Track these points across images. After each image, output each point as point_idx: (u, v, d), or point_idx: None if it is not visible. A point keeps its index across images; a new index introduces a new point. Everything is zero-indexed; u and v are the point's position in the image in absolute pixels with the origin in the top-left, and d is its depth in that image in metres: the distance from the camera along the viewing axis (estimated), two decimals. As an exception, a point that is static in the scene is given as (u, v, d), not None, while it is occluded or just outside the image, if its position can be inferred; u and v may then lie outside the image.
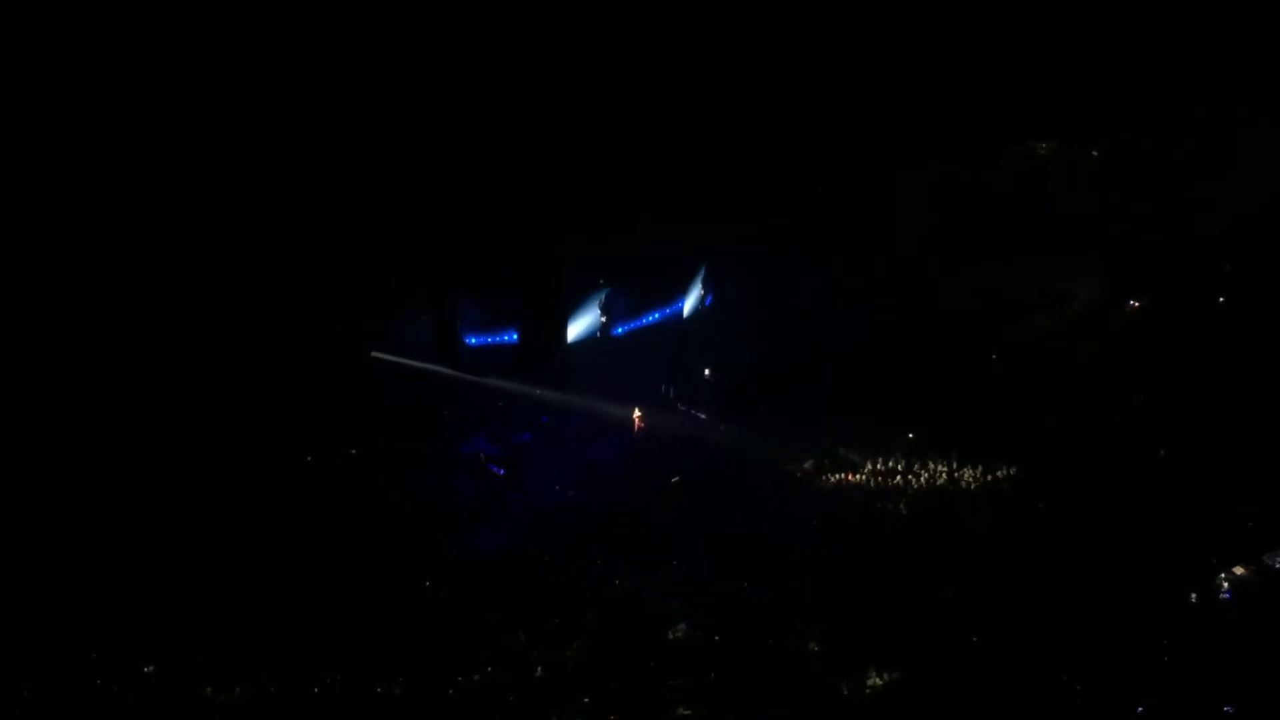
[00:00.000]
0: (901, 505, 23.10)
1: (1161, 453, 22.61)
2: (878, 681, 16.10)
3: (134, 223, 20.36)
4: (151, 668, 16.24)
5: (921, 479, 24.33)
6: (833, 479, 24.88)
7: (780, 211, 28.45)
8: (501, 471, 26.79)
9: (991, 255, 28.28)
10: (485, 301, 29.28)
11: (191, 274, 21.81)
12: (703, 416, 29.84)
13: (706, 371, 31.87)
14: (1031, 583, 18.20)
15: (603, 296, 31.86)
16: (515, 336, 30.01)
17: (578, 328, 31.43)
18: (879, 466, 25.13)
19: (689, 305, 33.84)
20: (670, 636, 17.96)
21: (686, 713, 15.54)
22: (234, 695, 15.64)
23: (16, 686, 15.06)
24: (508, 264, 26.41)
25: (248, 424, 23.20)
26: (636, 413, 29.22)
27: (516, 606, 19.22)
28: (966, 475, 24.11)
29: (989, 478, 23.81)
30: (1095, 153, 28.86)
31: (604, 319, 32.02)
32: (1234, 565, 17.31)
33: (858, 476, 24.77)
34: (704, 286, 33.87)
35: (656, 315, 33.29)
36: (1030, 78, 25.41)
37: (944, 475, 24.27)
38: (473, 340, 29.81)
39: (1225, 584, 17.13)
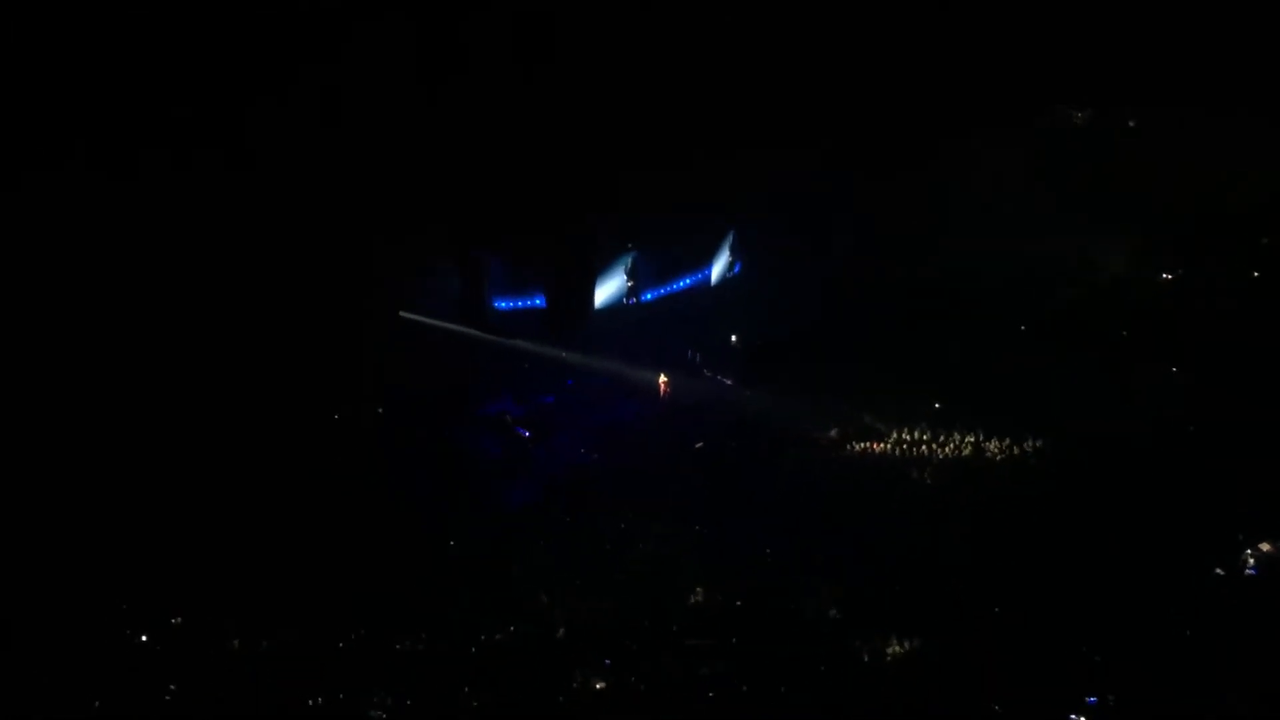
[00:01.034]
0: (926, 475, 23.04)
1: (1191, 428, 22.31)
2: (898, 649, 16.06)
3: (146, 181, 20.70)
4: (179, 619, 16.69)
5: (947, 449, 24.18)
6: (858, 447, 24.84)
7: (809, 178, 28.40)
8: (527, 433, 26.81)
9: (1026, 223, 27.79)
10: (514, 264, 28.98)
11: (223, 235, 22.22)
12: (729, 383, 29.68)
13: (733, 338, 31.70)
14: (1055, 556, 18.05)
15: (630, 261, 31.55)
16: (543, 300, 29.84)
17: (605, 292, 31.23)
18: (904, 436, 24.97)
19: (717, 271, 33.52)
20: (691, 600, 17.92)
21: (707, 674, 15.63)
22: (260, 648, 15.97)
23: (47, 637, 15.60)
24: (536, 228, 25.99)
25: (278, 385, 23.46)
26: (662, 378, 29.14)
27: (539, 565, 19.24)
28: (992, 447, 23.93)
29: (1015, 450, 23.60)
30: (1132, 123, 28.59)
31: (631, 284, 31.72)
32: (1261, 542, 17.25)
33: (883, 445, 24.66)
34: (732, 253, 33.51)
35: (684, 281, 33.04)
36: (1069, 41, 25.26)
37: (970, 446, 24.07)
38: (501, 303, 29.68)
39: (1251, 560, 17.02)
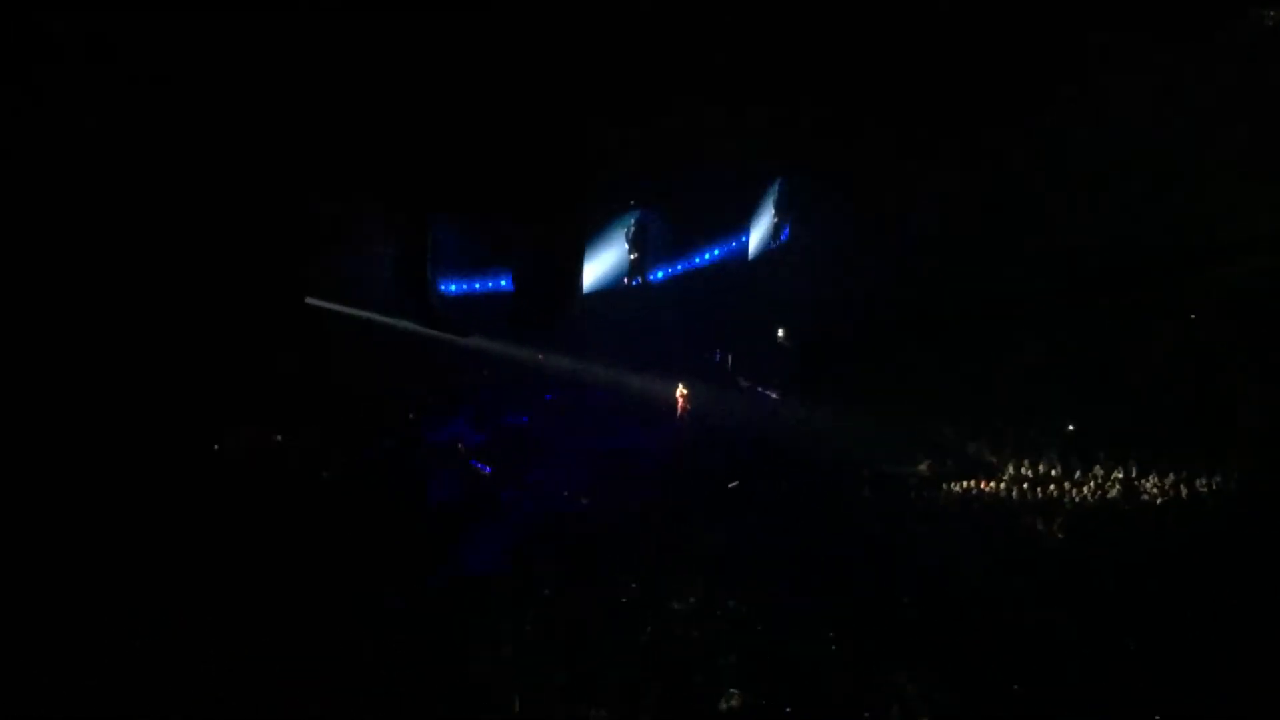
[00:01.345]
0: (1057, 528, 22.74)
1: None
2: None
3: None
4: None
5: (1085, 490, 24.14)
6: (957, 488, 24.93)
7: (886, 108, 28.13)
8: (488, 469, 26.79)
9: (1184, 175, 27.75)
10: (468, 231, 28.54)
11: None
12: (774, 396, 30.27)
13: (780, 333, 32.35)
14: (1239, 638, 17.70)
15: (633, 225, 31.34)
16: (509, 282, 29.38)
17: (598, 269, 30.98)
18: (1024, 471, 25.18)
19: (757, 240, 33.62)
20: (724, 707, 17.68)
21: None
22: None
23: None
24: (500, 177, 24.72)
25: (127, 405, 23.17)
26: (680, 390, 29.38)
27: (508, 657, 18.90)
28: (1149, 485, 23.92)
29: (1183, 489, 23.49)
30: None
31: (634, 256, 31.56)
32: None
33: (994, 485, 24.79)
34: (778, 215, 33.69)
35: (710, 254, 33.12)
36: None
37: (1117, 485, 24.11)
38: (451, 286, 29.42)
39: None
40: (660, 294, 32.30)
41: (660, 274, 32.31)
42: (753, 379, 30.99)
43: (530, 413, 29.38)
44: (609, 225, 31.16)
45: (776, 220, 33.72)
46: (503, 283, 29.66)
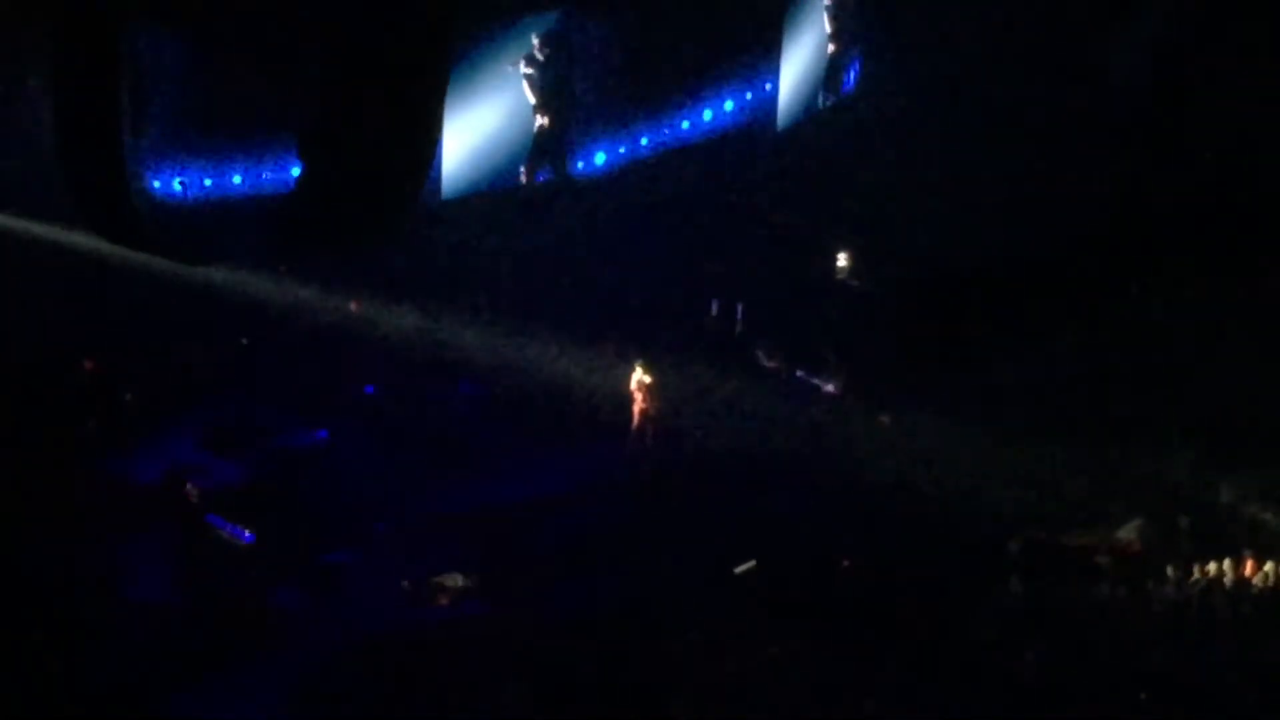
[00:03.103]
0: None
1: None
2: None
3: None
4: None
5: None
6: (1200, 577, 24.11)
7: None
8: (246, 535, 25.72)
9: None
10: (203, 58, 27.97)
11: None
12: (827, 387, 30.34)
13: (842, 261, 32.65)
14: None
15: (541, 44, 30.86)
16: (291, 163, 28.53)
17: (469, 141, 30.50)
18: None
19: (791, 88, 33.75)
20: None
21: None
22: None
23: None
24: None
25: None
26: (638, 377, 28.71)
27: None
28: None
29: None
30: None
31: (543, 121, 31.23)
32: None
33: (1266, 570, 24.27)
34: (836, 34, 34.08)
35: (700, 115, 33.32)
36: None
37: None
38: (176, 182, 28.84)
39: None
40: (599, 196, 32.31)
41: (600, 156, 32.12)
42: (784, 353, 30.71)
43: (334, 422, 28.87)
44: (493, 43, 30.18)
45: (834, 49, 33.95)
46: (282, 172, 29.36)
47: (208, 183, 29.07)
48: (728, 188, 33.05)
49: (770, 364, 30.52)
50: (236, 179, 29.03)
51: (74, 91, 22.12)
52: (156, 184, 28.42)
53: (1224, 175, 26.87)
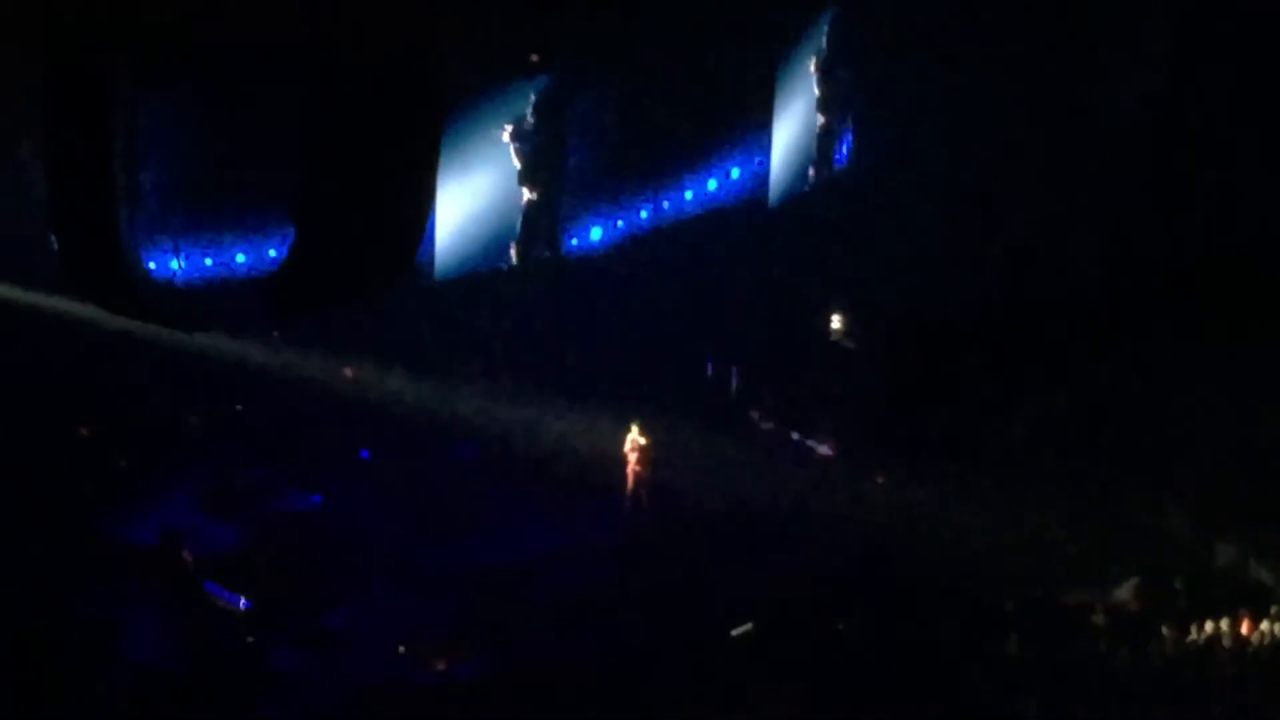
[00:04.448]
0: None
1: None
2: None
3: None
4: None
5: None
6: (1199, 636, 24.06)
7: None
8: (241, 601, 25.40)
9: None
10: (194, 130, 27.89)
11: None
12: (823, 449, 30.50)
13: (836, 322, 32.54)
14: None
15: (532, 113, 30.62)
16: (286, 240, 25.93)
17: (464, 208, 30.43)
18: None
19: (784, 159, 33.49)
20: None
21: None
22: None
23: None
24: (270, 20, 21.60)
25: None
26: (632, 439, 28.63)
27: None
28: None
29: None
30: None
31: (531, 195, 30.98)
32: None
33: (1263, 630, 24.35)
34: (826, 104, 34.01)
35: (692, 186, 33.33)
36: None
37: None
38: (175, 262, 28.91)
39: None
40: (594, 272, 32.66)
41: (596, 232, 32.28)
42: (779, 415, 30.86)
43: (329, 487, 28.79)
44: (481, 112, 30.11)
45: (824, 121, 33.72)
46: (269, 246, 29.80)
47: (208, 262, 29.18)
48: (718, 261, 33.00)
49: (765, 425, 30.54)
50: (240, 257, 29.13)
51: (67, 160, 22.87)
52: (152, 265, 28.41)
53: (1220, 228, 28.43)
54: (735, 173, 33.65)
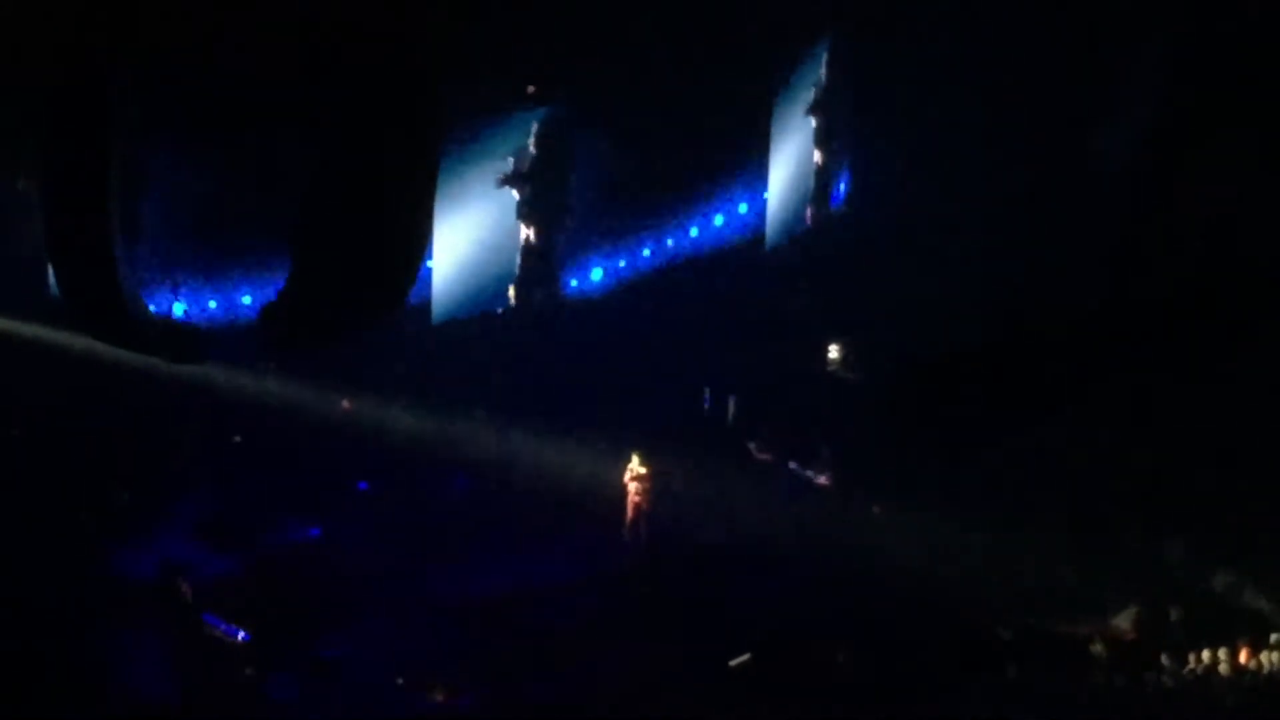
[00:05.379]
0: None
1: None
2: None
3: None
4: None
5: None
6: (1196, 664, 24.12)
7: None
8: (239, 634, 25.35)
9: None
10: (191, 157, 27.97)
11: None
12: (821, 480, 30.45)
13: (834, 352, 32.69)
14: None
15: (532, 146, 30.64)
16: (279, 280, 28.64)
17: (461, 249, 30.50)
18: None
19: (782, 194, 33.75)
20: None
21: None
22: None
23: None
24: (269, 50, 24.27)
25: None
26: (632, 469, 28.55)
27: None
28: None
29: None
30: None
31: (530, 231, 31.11)
32: None
33: (1273, 659, 24.09)
34: (824, 142, 34.13)
35: (699, 212, 33.65)
36: None
37: None
38: (178, 303, 29.16)
39: None
40: (593, 306, 32.71)
41: (597, 273, 32.52)
42: (777, 445, 30.75)
43: (327, 518, 28.88)
44: (480, 146, 30.11)
45: (821, 161, 33.75)
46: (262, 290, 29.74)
47: (213, 304, 29.30)
48: (715, 293, 33.23)
49: (762, 456, 30.52)
50: (246, 299, 29.30)
51: (64, 195, 23.43)
52: (152, 307, 26.57)
53: (1218, 260, 28.22)
54: (741, 207, 33.99)
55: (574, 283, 32.37)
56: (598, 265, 32.42)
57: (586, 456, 29.65)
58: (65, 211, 21.46)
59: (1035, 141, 31.38)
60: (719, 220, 33.68)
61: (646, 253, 33.11)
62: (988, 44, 31.63)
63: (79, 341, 26.60)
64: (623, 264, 32.83)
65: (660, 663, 24.76)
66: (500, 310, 31.59)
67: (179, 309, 29.25)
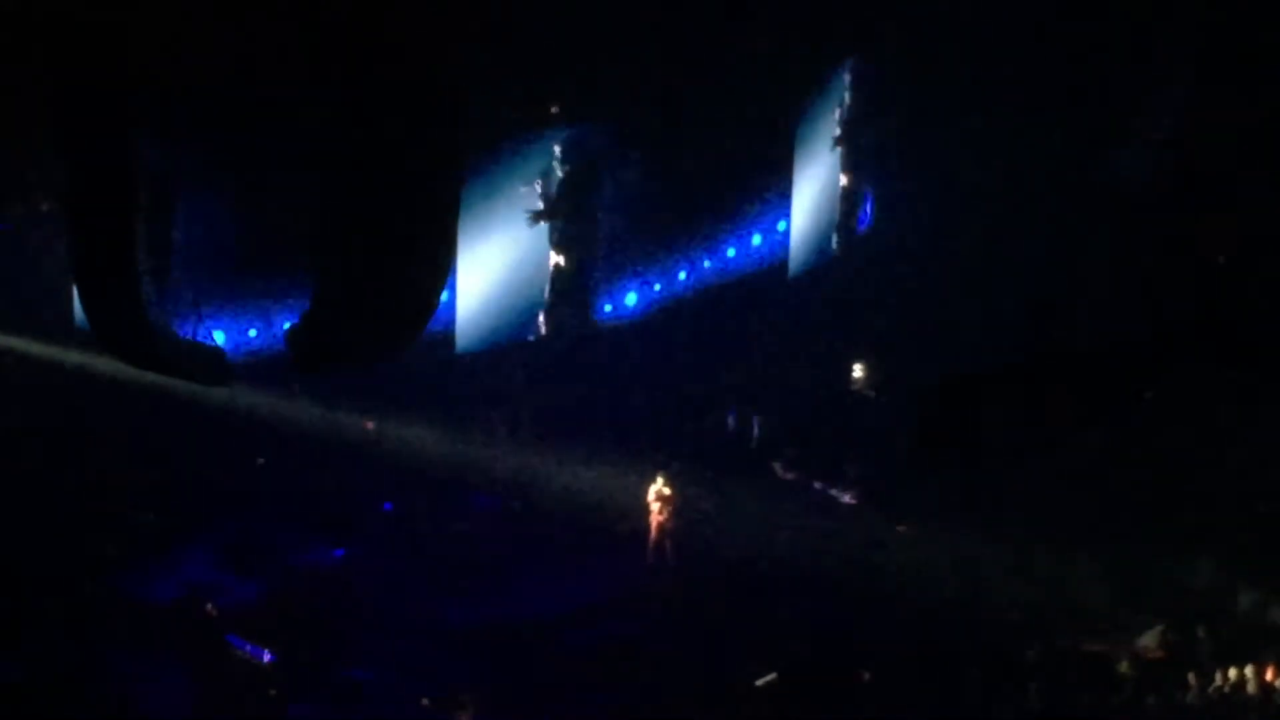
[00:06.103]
0: None
1: None
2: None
3: None
4: None
5: None
6: (1215, 682, 23.87)
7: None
8: (264, 654, 25.41)
9: None
10: (208, 176, 25.88)
11: None
12: (846, 499, 30.25)
13: (859, 373, 32.55)
14: None
15: (559, 164, 30.38)
16: (302, 298, 26.95)
17: (489, 280, 30.20)
18: None
19: (806, 221, 33.56)
20: None
21: None
22: None
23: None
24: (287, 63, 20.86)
25: None
26: (657, 488, 28.42)
27: None
28: None
29: None
30: None
31: (560, 259, 30.94)
32: None
33: None
34: (850, 167, 34.00)
35: (722, 240, 33.27)
36: None
37: None
38: (211, 332, 27.09)
39: None
40: (621, 330, 32.37)
41: (631, 297, 32.07)
42: (802, 464, 30.74)
43: (350, 540, 28.74)
44: (506, 167, 29.95)
45: (846, 183, 33.80)
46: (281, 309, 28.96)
47: (238, 328, 28.82)
48: (741, 313, 33.15)
49: (788, 475, 30.42)
50: (271, 323, 28.71)
51: (90, 224, 21.82)
52: (177, 331, 25.43)
53: (1241, 276, 26.99)
54: (771, 230, 33.65)
55: (608, 307, 32.06)
56: (631, 290, 32.18)
57: (611, 477, 29.39)
58: (91, 237, 22.43)
59: (1060, 164, 31.16)
60: (756, 240, 33.48)
61: (682, 275, 32.85)
62: (1012, 67, 31.44)
63: (104, 364, 26.20)
64: (658, 288, 32.61)
65: (686, 683, 24.56)
66: (531, 339, 31.40)
67: (204, 333, 27.06)
